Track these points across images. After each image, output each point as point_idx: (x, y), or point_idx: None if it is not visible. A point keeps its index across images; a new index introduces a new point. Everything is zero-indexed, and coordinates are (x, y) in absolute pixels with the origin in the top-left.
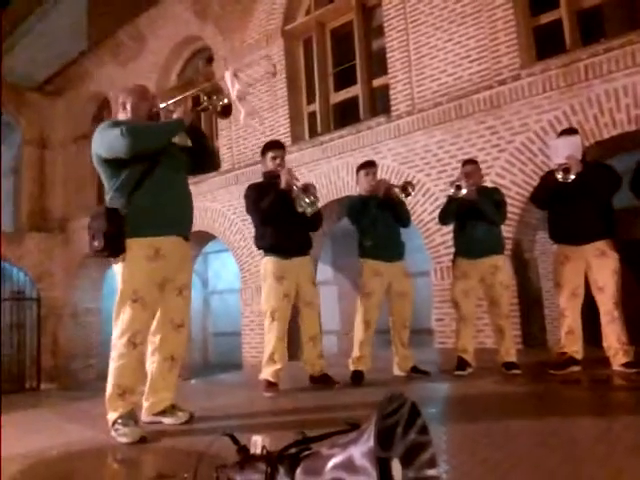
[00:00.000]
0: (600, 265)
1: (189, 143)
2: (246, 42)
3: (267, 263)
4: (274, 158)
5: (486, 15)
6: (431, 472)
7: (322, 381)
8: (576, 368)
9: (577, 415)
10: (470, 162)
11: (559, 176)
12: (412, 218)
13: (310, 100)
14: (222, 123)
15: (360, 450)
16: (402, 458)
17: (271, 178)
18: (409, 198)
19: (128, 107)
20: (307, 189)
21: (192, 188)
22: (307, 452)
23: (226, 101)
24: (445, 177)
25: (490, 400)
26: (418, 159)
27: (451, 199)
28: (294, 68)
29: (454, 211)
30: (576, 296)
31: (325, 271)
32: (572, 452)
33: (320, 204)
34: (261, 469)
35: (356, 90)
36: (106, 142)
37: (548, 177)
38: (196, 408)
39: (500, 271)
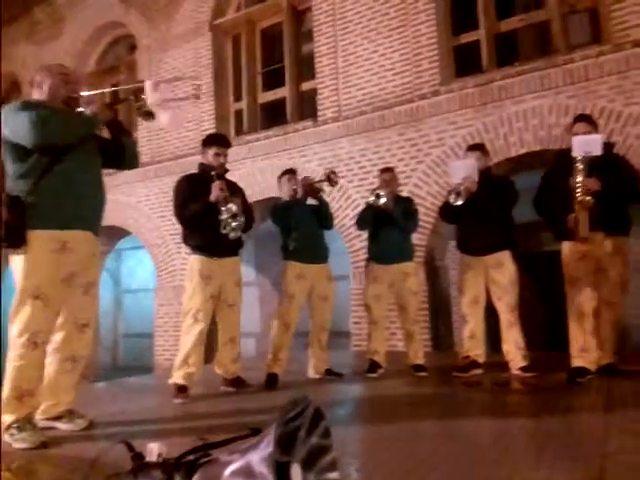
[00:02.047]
0: (499, 275)
1: (107, 135)
2: (172, 33)
3: (195, 262)
4: (217, 155)
5: (411, 30)
6: (332, 475)
7: (235, 385)
8: (478, 371)
9: (477, 417)
10: (388, 170)
11: (451, 198)
12: (334, 222)
13: (237, 97)
14: None
15: (260, 455)
16: (303, 462)
17: (207, 173)
18: (332, 203)
19: (45, 87)
20: (236, 216)
21: (106, 180)
22: (206, 459)
23: (145, 108)
24: (367, 184)
25: (397, 402)
26: (342, 165)
27: (368, 206)
28: (221, 64)
29: (370, 218)
30: (477, 303)
31: (247, 272)
32: (470, 453)
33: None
34: (156, 477)
35: (284, 92)
36: (12, 125)
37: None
38: (99, 413)
39: (410, 277)
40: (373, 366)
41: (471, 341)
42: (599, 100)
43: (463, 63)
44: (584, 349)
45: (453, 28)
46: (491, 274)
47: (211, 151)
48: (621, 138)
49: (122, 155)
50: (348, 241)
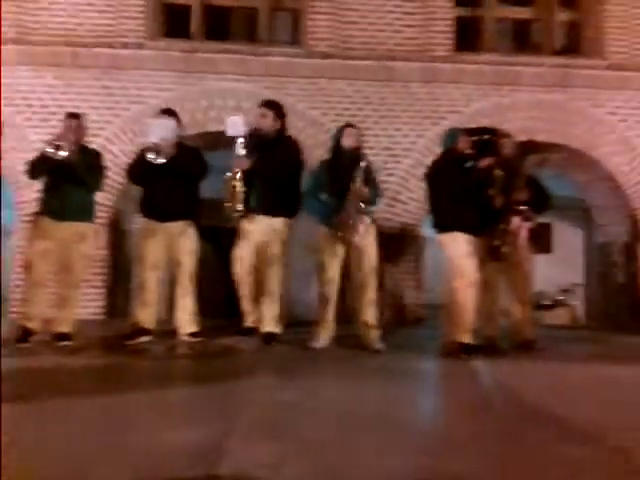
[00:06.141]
0: (181, 243)
1: None
2: None
3: None
4: None
5: None
6: None
7: None
8: (146, 338)
9: (137, 385)
10: (74, 116)
11: (151, 156)
12: (2, 166)
13: None
14: None
15: None
16: None
17: None
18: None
19: None
20: None
21: None
22: None
23: None
24: (48, 127)
25: (51, 373)
26: (19, 98)
27: (44, 155)
28: None
29: (46, 167)
30: (156, 269)
31: None
32: (123, 422)
33: None
34: None
35: None
36: None
37: (143, 154)
38: None
39: (84, 239)
40: (26, 334)
41: (143, 308)
42: (289, 98)
43: (173, 25)
44: (247, 312)
45: None
46: (174, 241)
47: None
48: (302, 136)
49: None
50: (17, 189)
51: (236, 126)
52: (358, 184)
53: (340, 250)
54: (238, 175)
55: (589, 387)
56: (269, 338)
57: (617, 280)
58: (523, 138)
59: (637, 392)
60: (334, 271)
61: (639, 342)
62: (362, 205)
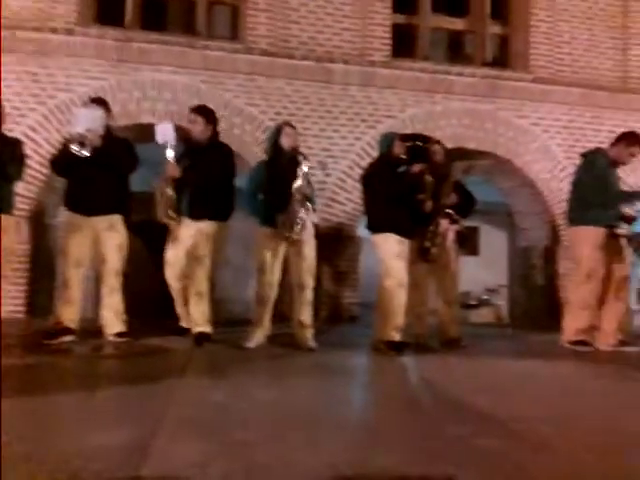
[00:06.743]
0: (108, 238)
1: None
2: None
3: None
4: None
5: None
6: None
7: None
8: (69, 338)
9: (60, 385)
10: None
11: (75, 148)
12: None
13: None
14: None
15: None
16: None
17: None
18: None
19: None
20: None
21: None
22: None
23: None
24: None
25: None
26: None
27: None
28: None
29: None
30: (80, 266)
31: None
32: (40, 425)
33: None
34: None
35: None
36: None
37: (68, 144)
38: None
39: (5, 233)
40: None
41: (66, 306)
42: (226, 93)
43: (106, 12)
44: (180, 314)
45: None
46: (101, 237)
47: None
48: (239, 132)
49: None
50: None
51: (166, 133)
52: (301, 182)
53: (281, 251)
54: (169, 182)
55: (510, 382)
56: (201, 338)
57: (537, 282)
58: (454, 145)
59: (554, 386)
60: (274, 274)
61: (555, 340)
62: (307, 203)
